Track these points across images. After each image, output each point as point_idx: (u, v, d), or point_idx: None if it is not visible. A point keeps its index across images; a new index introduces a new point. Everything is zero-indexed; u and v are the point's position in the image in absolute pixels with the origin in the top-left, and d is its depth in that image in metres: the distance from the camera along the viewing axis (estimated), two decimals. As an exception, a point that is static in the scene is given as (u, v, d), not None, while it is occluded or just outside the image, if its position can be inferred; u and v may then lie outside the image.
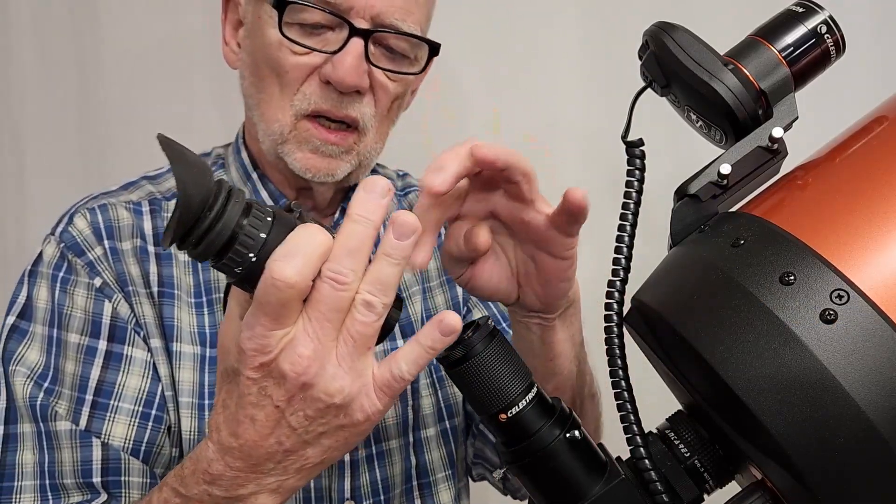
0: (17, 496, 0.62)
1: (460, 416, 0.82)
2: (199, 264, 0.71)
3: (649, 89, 0.50)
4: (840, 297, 0.36)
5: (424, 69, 0.74)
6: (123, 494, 0.63)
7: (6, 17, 1.21)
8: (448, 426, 0.81)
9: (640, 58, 0.49)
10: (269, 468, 0.45)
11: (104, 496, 0.63)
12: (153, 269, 0.70)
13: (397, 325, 0.78)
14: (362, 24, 0.66)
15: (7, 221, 1.23)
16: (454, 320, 0.43)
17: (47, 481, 0.62)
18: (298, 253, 0.40)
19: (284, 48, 0.67)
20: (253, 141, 0.76)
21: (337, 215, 0.81)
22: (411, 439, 0.78)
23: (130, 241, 0.70)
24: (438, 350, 0.44)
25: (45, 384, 0.64)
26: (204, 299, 0.72)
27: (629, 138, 0.50)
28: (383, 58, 0.70)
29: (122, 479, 0.63)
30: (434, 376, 0.80)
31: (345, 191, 0.81)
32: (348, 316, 0.42)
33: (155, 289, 0.69)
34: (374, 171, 0.89)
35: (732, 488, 0.44)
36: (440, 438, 0.80)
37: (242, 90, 0.75)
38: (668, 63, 0.46)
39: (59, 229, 0.70)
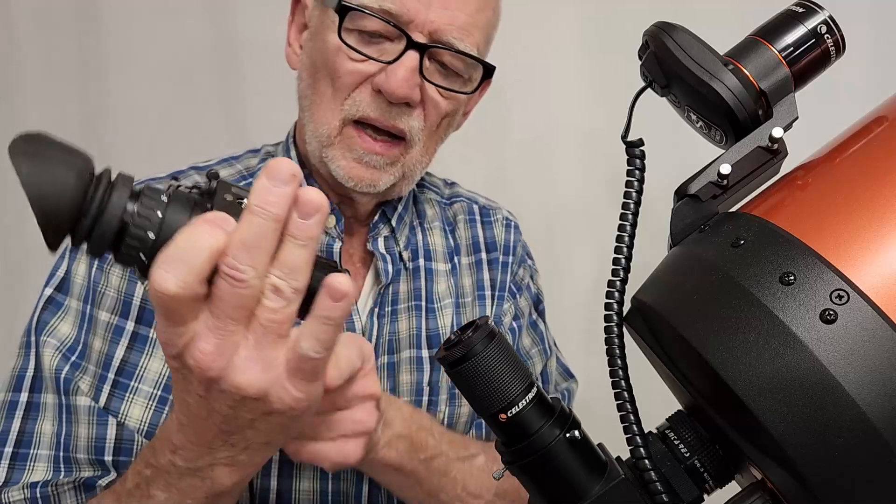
0: (32, 463, 0.63)
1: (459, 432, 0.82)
2: None
3: (649, 89, 0.50)
4: (840, 297, 0.36)
5: (477, 90, 0.75)
6: None
7: (8, 17, 1.21)
8: None
9: (640, 58, 0.49)
10: (218, 445, 0.45)
11: (113, 474, 0.64)
12: None
13: (424, 334, 0.79)
14: (420, 38, 0.68)
15: (9, 221, 1.23)
16: (340, 282, 0.40)
17: (62, 453, 0.64)
18: (180, 259, 0.36)
19: (342, 53, 0.69)
20: (302, 142, 0.78)
21: (376, 217, 0.81)
22: None
23: None
24: (337, 320, 0.40)
25: (73, 358, 0.66)
26: None
27: (629, 138, 0.50)
28: (437, 73, 0.71)
29: (133, 460, 0.63)
30: (448, 393, 0.80)
31: (387, 201, 0.82)
32: (258, 305, 0.39)
33: None
34: (423, 180, 0.91)
35: (732, 488, 0.44)
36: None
37: (298, 91, 0.76)
38: (668, 63, 0.46)
39: None
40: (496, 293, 0.87)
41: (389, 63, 0.68)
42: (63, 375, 0.65)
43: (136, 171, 0.82)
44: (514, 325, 0.87)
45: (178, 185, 0.40)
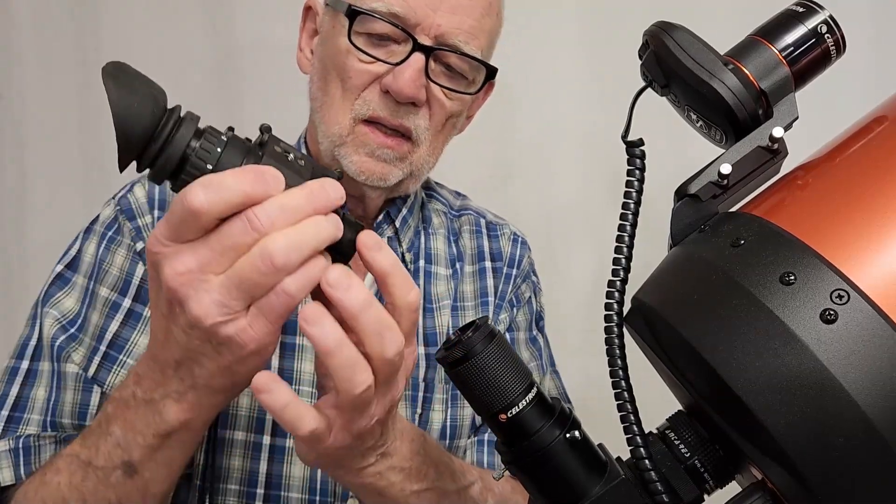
0: (24, 426, 0.68)
1: (463, 440, 0.82)
2: None
3: (649, 89, 0.50)
4: (840, 296, 0.36)
5: (480, 90, 0.77)
6: None
7: (7, 17, 1.21)
8: (448, 445, 0.81)
9: (640, 57, 0.49)
10: (170, 375, 0.47)
11: None
12: None
13: (421, 332, 0.80)
14: (426, 41, 0.70)
15: (7, 221, 1.23)
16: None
17: (49, 417, 0.68)
18: (221, 188, 0.39)
19: (352, 55, 0.71)
20: (313, 142, 0.80)
21: (381, 217, 0.83)
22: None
23: None
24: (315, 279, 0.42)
25: (72, 330, 0.70)
26: None
27: (629, 138, 0.50)
28: (442, 75, 0.74)
29: None
30: (448, 394, 0.81)
31: (392, 200, 0.84)
32: (247, 255, 0.40)
33: None
34: (433, 190, 0.93)
35: (732, 488, 0.44)
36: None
37: (310, 94, 0.79)
38: (668, 63, 0.46)
39: (120, 195, 0.76)
40: (496, 301, 0.87)
41: (396, 64, 0.70)
42: (58, 343, 0.69)
43: (135, 170, 0.83)
44: (508, 336, 0.87)
45: (234, 133, 0.44)
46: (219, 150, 0.41)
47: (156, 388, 0.48)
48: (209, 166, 0.41)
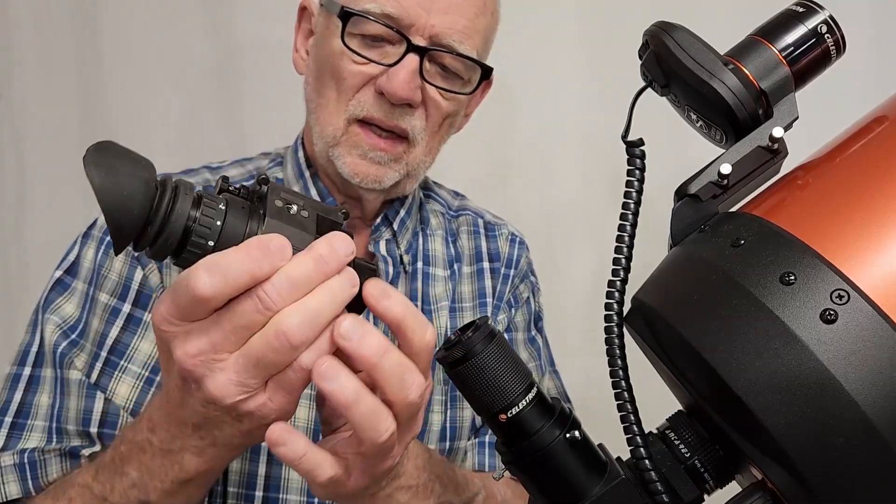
0: (28, 433, 0.67)
1: (463, 441, 0.82)
2: None
3: (649, 89, 0.50)
4: (840, 296, 0.36)
5: (475, 90, 0.77)
6: None
7: (6, 17, 1.21)
8: (448, 447, 0.81)
9: (640, 57, 0.49)
10: (188, 433, 0.46)
11: (98, 446, 0.67)
12: None
13: None
14: (420, 42, 0.70)
15: (7, 221, 1.23)
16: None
17: (54, 424, 0.67)
18: (227, 272, 0.38)
19: (346, 57, 0.71)
20: (310, 143, 0.80)
21: (379, 220, 0.83)
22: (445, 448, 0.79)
23: None
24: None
25: (73, 336, 0.70)
26: None
27: (629, 138, 0.50)
28: (437, 75, 0.73)
29: (117, 433, 0.66)
30: (448, 395, 0.81)
31: (390, 201, 0.84)
32: (261, 333, 0.40)
33: None
34: (430, 190, 0.93)
35: (733, 488, 0.44)
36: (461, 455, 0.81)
37: (305, 95, 0.79)
38: (668, 63, 0.46)
39: None
40: (494, 301, 0.87)
41: (390, 65, 0.70)
42: (60, 350, 0.69)
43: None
44: (505, 336, 0.87)
45: (230, 187, 0.42)
46: (218, 223, 0.40)
47: (173, 440, 0.47)
48: (211, 243, 0.39)
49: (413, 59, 0.70)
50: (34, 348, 0.70)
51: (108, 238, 0.73)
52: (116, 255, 0.40)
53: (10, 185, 1.23)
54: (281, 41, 1.05)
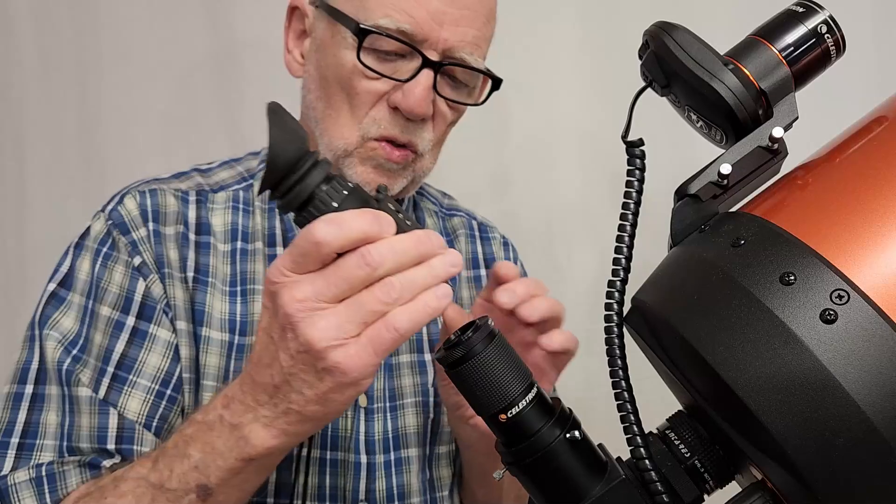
0: (38, 453, 0.65)
1: (444, 447, 0.82)
2: (238, 255, 0.76)
3: (649, 89, 0.50)
4: (840, 297, 0.36)
5: (485, 101, 0.78)
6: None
7: (6, 18, 1.21)
8: (456, 448, 0.81)
9: (641, 58, 0.49)
10: (264, 400, 0.49)
11: (118, 458, 0.65)
12: (191, 255, 0.73)
13: (425, 338, 0.80)
14: (433, 56, 0.69)
15: (7, 221, 1.23)
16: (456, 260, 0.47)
17: (65, 443, 0.66)
18: (342, 224, 0.44)
19: (358, 72, 0.70)
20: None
21: None
22: (427, 452, 0.79)
23: (174, 226, 0.73)
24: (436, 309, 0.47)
25: (74, 351, 0.68)
26: (238, 289, 0.74)
27: (629, 138, 0.50)
28: (447, 87, 0.73)
29: (136, 448, 0.66)
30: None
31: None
32: (366, 290, 0.45)
33: (190, 274, 0.72)
34: (422, 189, 0.93)
35: (732, 488, 0.44)
36: (450, 458, 0.81)
37: (305, 100, 0.78)
38: (668, 63, 0.46)
39: (110, 207, 0.73)
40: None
41: (405, 81, 0.69)
42: (65, 367, 0.67)
43: (134, 170, 0.83)
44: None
45: (378, 187, 0.51)
46: (344, 194, 0.46)
47: (245, 412, 0.50)
48: (334, 204, 0.46)
49: (428, 74, 0.69)
50: (34, 365, 0.67)
51: (105, 249, 0.71)
52: (258, 194, 0.48)
53: (9, 185, 1.23)
54: (281, 41, 1.04)
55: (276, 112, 0.46)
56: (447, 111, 0.74)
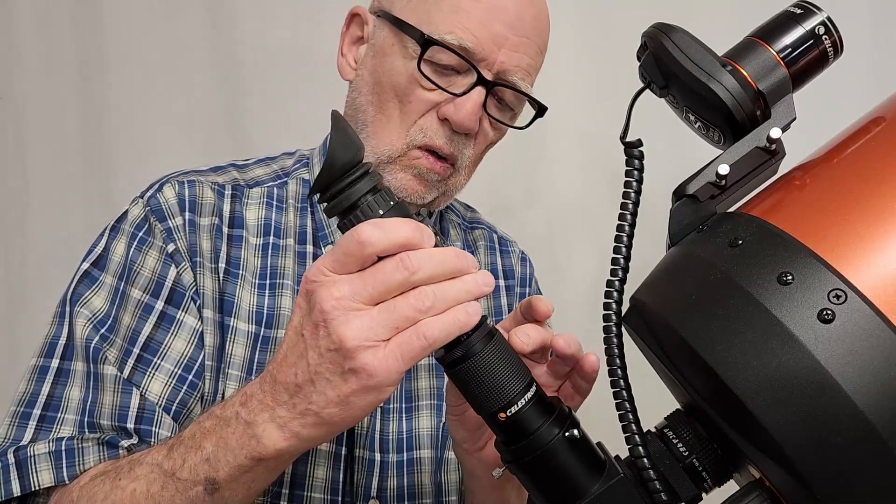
0: (59, 426, 0.66)
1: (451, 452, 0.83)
2: (269, 249, 0.77)
3: (648, 90, 0.50)
4: (838, 296, 0.37)
5: (529, 125, 0.81)
6: (153, 443, 0.66)
7: (8, 19, 1.21)
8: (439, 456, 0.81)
9: (639, 59, 0.49)
10: (283, 399, 0.49)
11: (136, 439, 0.66)
12: (224, 247, 0.75)
13: None
14: (488, 76, 0.72)
15: (8, 221, 1.23)
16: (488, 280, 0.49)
17: (87, 418, 0.67)
18: (386, 228, 0.46)
19: (415, 80, 0.73)
20: None
21: None
22: (439, 455, 0.79)
23: (209, 218, 0.75)
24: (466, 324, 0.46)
25: (103, 330, 0.69)
26: (268, 282, 0.76)
27: (628, 139, 0.50)
28: (494, 107, 0.76)
29: (154, 429, 0.67)
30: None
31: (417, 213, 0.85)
32: (402, 296, 0.46)
33: (221, 265, 0.74)
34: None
35: (730, 487, 0.45)
36: (457, 463, 0.81)
37: (352, 102, 0.79)
38: (666, 64, 0.46)
39: (149, 194, 0.75)
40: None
41: (459, 95, 0.72)
42: (93, 345, 0.68)
43: (135, 170, 0.83)
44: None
45: (419, 210, 0.52)
46: (390, 204, 0.48)
47: (262, 410, 0.50)
48: (379, 212, 0.48)
49: (481, 91, 0.72)
50: (62, 340, 0.69)
51: (140, 234, 0.73)
52: (310, 196, 0.50)
53: (11, 185, 1.23)
54: (282, 42, 1.05)
55: (337, 119, 0.48)
56: (490, 131, 0.77)
